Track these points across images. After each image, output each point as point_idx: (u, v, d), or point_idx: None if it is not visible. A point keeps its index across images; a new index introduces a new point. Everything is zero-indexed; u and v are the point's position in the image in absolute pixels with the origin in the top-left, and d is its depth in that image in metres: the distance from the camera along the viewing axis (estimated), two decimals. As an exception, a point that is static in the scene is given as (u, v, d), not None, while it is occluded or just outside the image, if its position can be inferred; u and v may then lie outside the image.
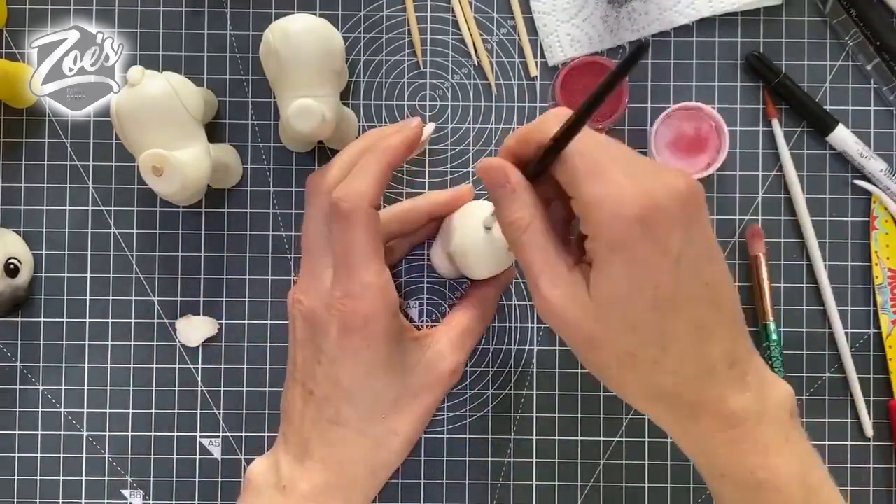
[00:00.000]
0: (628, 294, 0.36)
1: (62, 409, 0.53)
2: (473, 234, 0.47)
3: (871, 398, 0.53)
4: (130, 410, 0.53)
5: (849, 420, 0.53)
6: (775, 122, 0.53)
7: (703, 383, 0.37)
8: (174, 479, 0.53)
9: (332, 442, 0.44)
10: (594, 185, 0.36)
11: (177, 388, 0.53)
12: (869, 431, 0.52)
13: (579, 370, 0.53)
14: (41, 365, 0.53)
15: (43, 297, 0.53)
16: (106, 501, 0.53)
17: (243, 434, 0.53)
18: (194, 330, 0.53)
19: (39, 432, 0.53)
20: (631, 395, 0.39)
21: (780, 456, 0.37)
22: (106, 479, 0.53)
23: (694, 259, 0.36)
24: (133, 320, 0.53)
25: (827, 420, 0.53)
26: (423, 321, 0.53)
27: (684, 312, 0.36)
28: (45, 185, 0.53)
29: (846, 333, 0.53)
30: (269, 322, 0.53)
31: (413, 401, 0.46)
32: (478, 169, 0.40)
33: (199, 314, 0.53)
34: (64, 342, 0.53)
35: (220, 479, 0.53)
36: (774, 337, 0.51)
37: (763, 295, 0.52)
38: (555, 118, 0.37)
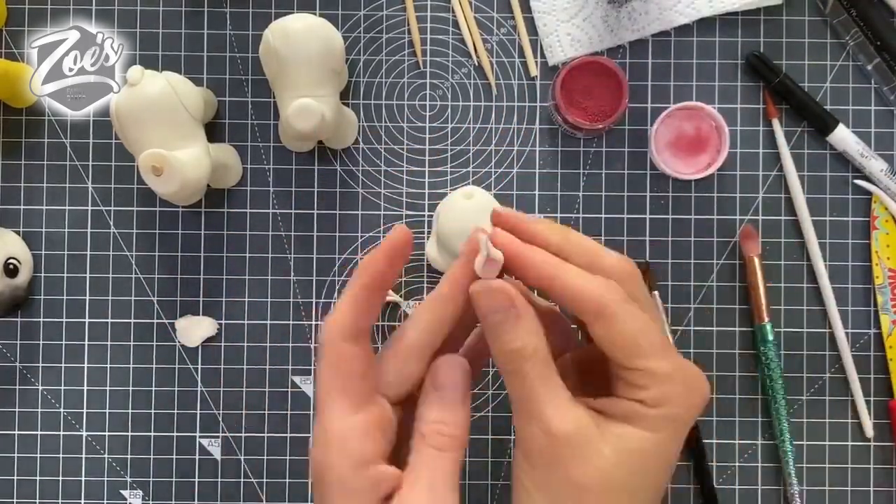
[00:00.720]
0: (652, 459, 0.36)
1: (62, 410, 0.53)
2: (456, 216, 0.47)
3: (872, 398, 0.53)
4: (130, 410, 0.53)
5: (849, 420, 0.53)
6: (775, 122, 0.53)
7: None
8: (174, 479, 0.53)
9: None
10: (665, 362, 0.36)
11: (176, 389, 0.53)
12: (869, 431, 0.52)
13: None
14: (41, 365, 0.53)
15: (42, 297, 0.53)
16: (106, 502, 0.53)
17: (243, 434, 0.53)
18: (194, 330, 0.53)
19: (39, 432, 0.53)
20: None
21: None
22: (106, 479, 0.53)
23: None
24: (133, 320, 0.53)
25: (827, 420, 0.53)
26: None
27: (656, 498, 0.37)
28: (45, 184, 0.53)
29: (846, 333, 0.53)
30: (268, 322, 0.53)
31: None
32: (474, 292, 0.36)
33: (198, 314, 0.53)
34: (63, 342, 0.53)
35: (219, 480, 0.53)
36: (771, 338, 0.51)
37: (759, 296, 0.52)
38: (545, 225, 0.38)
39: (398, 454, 0.38)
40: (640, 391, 0.36)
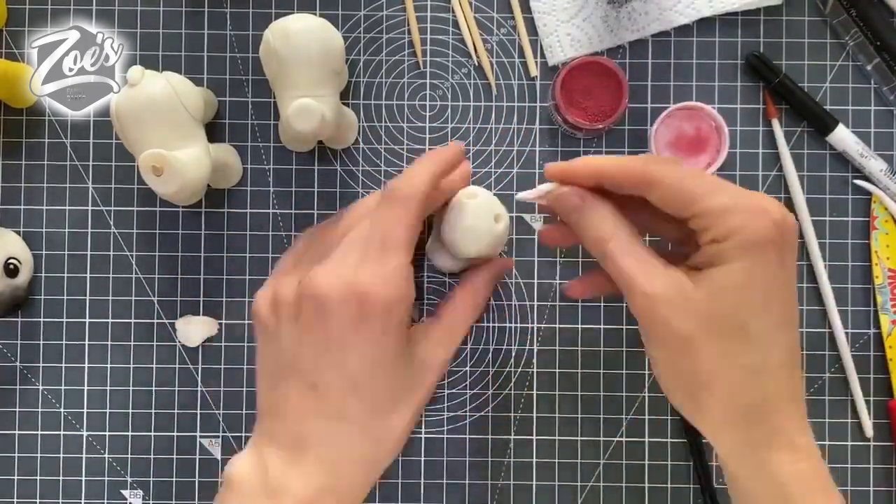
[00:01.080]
0: (746, 288, 0.38)
1: (62, 409, 0.53)
2: (459, 211, 0.47)
3: (871, 398, 0.53)
4: (130, 410, 0.53)
5: (849, 420, 0.53)
6: (775, 122, 0.53)
7: (788, 408, 0.39)
8: (174, 479, 0.53)
9: (331, 439, 0.42)
10: (721, 196, 0.39)
11: (177, 388, 0.53)
12: (869, 431, 0.52)
13: (579, 370, 0.53)
14: (41, 365, 0.53)
15: (43, 297, 0.53)
16: (106, 501, 0.53)
17: (243, 434, 0.53)
18: (194, 330, 0.53)
19: (39, 432, 0.53)
20: (710, 413, 0.39)
21: (835, 495, 0.39)
22: (106, 479, 0.53)
23: (793, 284, 0.40)
24: (133, 320, 0.53)
25: (827, 420, 0.53)
26: (423, 321, 0.53)
27: (787, 331, 0.39)
28: (45, 184, 0.53)
29: (846, 333, 0.53)
30: (268, 322, 0.53)
31: (410, 396, 0.45)
32: (552, 200, 0.42)
33: (199, 314, 0.53)
34: (64, 342, 0.53)
35: (220, 480, 0.53)
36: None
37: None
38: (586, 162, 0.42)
39: None
40: (708, 232, 0.38)
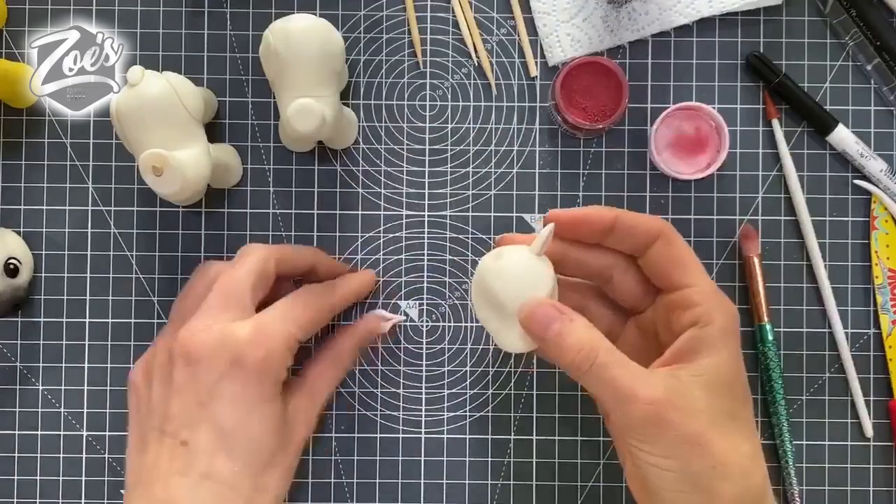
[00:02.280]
0: (735, 379, 0.40)
1: (62, 409, 0.53)
2: (489, 280, 0.41)
3: (871, 398, 0.53)
4: (130, 410, 0.53)
5: (849, 420, 0.53)
6: (775, 122, 0.53)
7: (769, 489, 0.41)
8: (174, 479, 0.53)
9: (201, 500, 0.41)
10: (700, 276, 0.41)
11: (177, 388, 0.53)
12: (869, 431, 0.52)
13: (579, 370, 0.53)
14: (41, 365, 0.53)
15: (43, 297, 0.53)
16: (106, 501, 0.53)
17: (243, 434, 0.53)
18: (194, 330, 0.53)
19: (39, 432, 0.53)
20: (723, 501, 0.39)
21: None
22: (106, 479, 0.53)
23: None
24: (133, 320, 0.53)
25: (827, 420, 0.53)
26: (423, 321, 0.53)
27: (753, 418, 0.41)
28: (45, 185, 0.53)
29: (846, 333, 0.53)
30: (269, 322, 0.53)
31: (282, 453, 0.45)
32: (525, 318, 0.40)
33: (198, 314, 0.53)
34: (64, 342, 0.53)
35: None
36: (770, 338, 0.51)
37: (758, 296, 0.52)
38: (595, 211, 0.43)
39: None
40: (693, 310, 0.40)
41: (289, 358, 0.44)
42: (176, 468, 0.41)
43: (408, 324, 0.53)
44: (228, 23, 0.54)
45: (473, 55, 0.53)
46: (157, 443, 0.42)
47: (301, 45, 0.46)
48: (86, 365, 0.53)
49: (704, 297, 0.40)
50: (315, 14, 0.50)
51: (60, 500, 0.53)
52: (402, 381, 0.53)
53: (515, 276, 0.40)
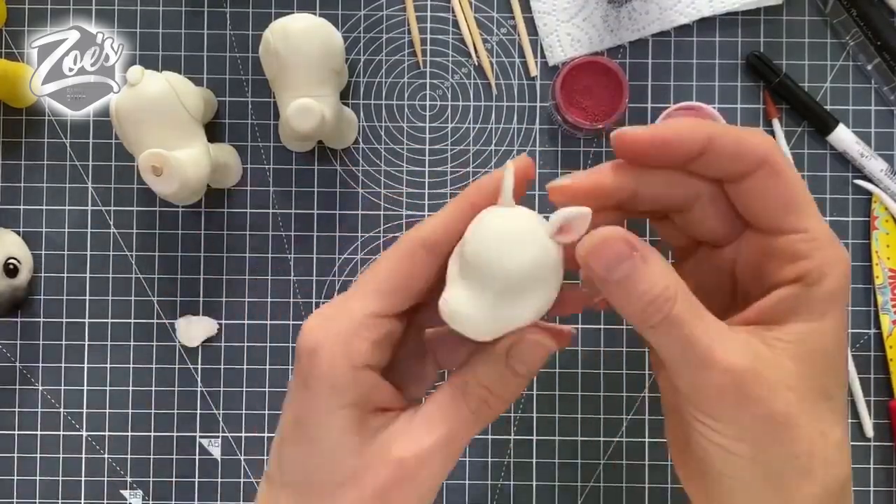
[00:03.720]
0: (837, 352, 0.31)
1: (61, 410, 0.53)
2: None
3: (872, 398, 0.53)
4: (130, 410, 0.53)
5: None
6: (776, 122, 0.53)
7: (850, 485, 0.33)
8: (174, 479, 0.53)
9: None
10: (813, 219, 0.31)
11: (176, 388, 0.53)
12: (869, 431, 0.52)
13: (579, 370, 0.53)
14: (40, 365, 0.53)
15: (42, 297, 0.53)
16: (106, 502, 0.53)
17: (243, 434, 0.53)
18: (194, 330, 0.53)
19: (39, 432, 0.53)
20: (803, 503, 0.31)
21: None
22: (105, 479, 0.53)
23: None
24: (133, 320, 0.53)
25: (827, 420, 0.53)
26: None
27: (844, 384, 0.33)
28: (45, 184, 0.53)
29: (846, 333, 0.52)
30: (268, 322, 0.53)
31: (334, 486, 0.31)
32: (586, 253, 0.29)
33: (198, 314, 0.53)
34: (63, 342, 0.53)
35: (219, 480, 0.53)
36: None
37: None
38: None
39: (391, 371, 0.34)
40: (799, 263, 0.31)
41: (353, 354, 0.31)
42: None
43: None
44: (228, 22, 0.54)
45: (473, 55, 0.53)
46: None
47: (301, 45, 0.46)
48: (85, 365, 0.53)
49: (817, 248, 0.31)
50: (315, 14, 0.50)
51: (60, 500, 0.53)
52: (402, 381, 0.53)
53: (520, 242, 0.29)
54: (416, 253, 0.32)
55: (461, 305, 0.30)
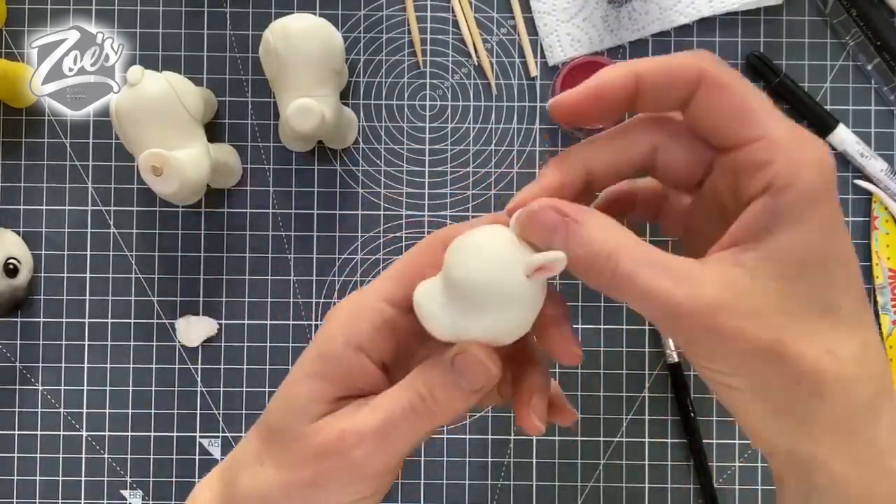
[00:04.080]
0: (829, 254, 0.29)
1: (61, 410, 0.53)
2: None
3: (872, 398, 0.53)
4: (130, 410, 0.53)
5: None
6: (775, 122, 0.53)
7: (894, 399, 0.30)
8: (174, 479, 0.53)
9: None
10: (784, 123, 0.29)
11: (176, 388, 0.53)
12: (869, 431, 0.52)
13: (579, 370, 0.53)
14: (40, 365, 0.53)
15: (42, 297, 0.53)
16: (106, 502, 0.53)
17: (243, 434, 0.53)
18: (194, 330, 0.53)
19: (39, 432, 0.53)
20: (822, 425, 0.29)
21: None
22: (105, 479, 0.53)
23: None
24: (133, 320, 0.53)
25: (827, 420, 0.53)
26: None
27: (868, 303, 0.30)
28: (45, 184, 0.53)
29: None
30: (268, 322, 0.53)
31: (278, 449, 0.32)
32: (520, 230, 0.30)
33: (198, 314, 0.53)
34: (63, 342, 0.53)
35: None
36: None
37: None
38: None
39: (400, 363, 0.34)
40: (763, 171, 0.29)
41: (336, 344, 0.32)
42: None
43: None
44: (228, 22, 0.54)
45: (473, 55, 0.53)
46: None
47: (301, 45, 0.46)
48: (85, 365, 0.53)
49: (776, 150, 0.29)
50: (315, 14, 0.50)
51: (60, 501, 0.53)
52: (401, 381, 0.53)
53: (498, 259, 0.30)
54: (435, 249, 0.32)
55: (426, 298, 0.31)
